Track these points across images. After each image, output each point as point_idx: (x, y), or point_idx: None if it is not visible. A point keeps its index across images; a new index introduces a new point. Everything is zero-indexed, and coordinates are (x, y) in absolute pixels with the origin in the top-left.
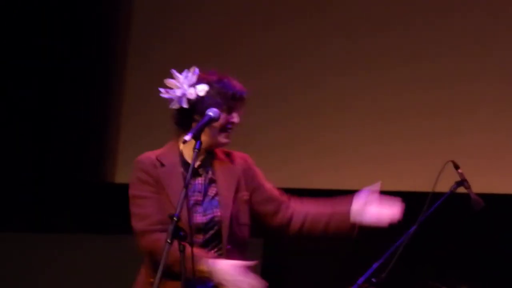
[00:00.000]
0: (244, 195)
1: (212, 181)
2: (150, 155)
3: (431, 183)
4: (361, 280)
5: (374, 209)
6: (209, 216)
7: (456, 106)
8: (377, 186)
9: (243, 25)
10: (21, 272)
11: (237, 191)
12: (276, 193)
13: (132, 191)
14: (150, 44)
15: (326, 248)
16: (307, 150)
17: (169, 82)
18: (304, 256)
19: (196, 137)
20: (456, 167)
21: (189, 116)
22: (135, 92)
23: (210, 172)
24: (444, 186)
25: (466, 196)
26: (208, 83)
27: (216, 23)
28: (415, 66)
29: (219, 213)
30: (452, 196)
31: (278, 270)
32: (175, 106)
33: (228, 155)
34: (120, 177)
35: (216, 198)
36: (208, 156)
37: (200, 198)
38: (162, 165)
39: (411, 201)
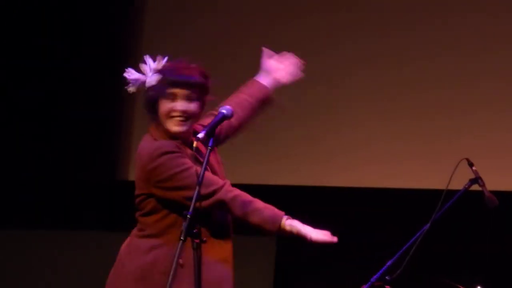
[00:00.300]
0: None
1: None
2: (168, 142)
3: (445, 181)
4: (374, 278)
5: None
6: None
7: (471, 104)
8: (267, 51)
9: (257, 21)
10: (44, 269)
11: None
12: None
13: (171, 171)
14: (163, 42)
15: (339, 246)
16: (323, 149)
17: (141, 66)
18: (317, 254)
19: (210, 135)
20: (471, 164)
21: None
22: None
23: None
24: (458, 184)
25: (480, 194)
26: (160, 71)
27: (229, 20)
28: (429, 65)
29: None
30: (466, 193)
31: (292, 269)
32: (130, 89)
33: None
34: (133, 175)
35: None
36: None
37: None
38: (179, 147)
39: (425, 199)
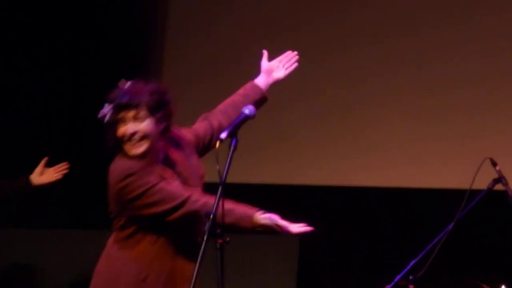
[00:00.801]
0: (202, 170)
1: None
2: (133, 162)
3: (469, 180)
4: (398, 277)
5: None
6: None
7: (495, 104)
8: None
9: (279, 20)
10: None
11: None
12: (199, 126)
13: (137, 191)
14: (187, 41)
15: (363, 246)
16: (346, 148)
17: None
18: (340, 254)
19: (232, 135)
20: (494, 164)
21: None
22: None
23: (176, 167)
24: (482, 183)
25: (503, 193)
26: (109, 99)
27: (251, 19)
28: (451, 64)
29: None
30: (489, 193)
31: (315, 269)
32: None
33: (173, 140)
34: None
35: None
36: (167, 157)
37: None
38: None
39: (449, 198)
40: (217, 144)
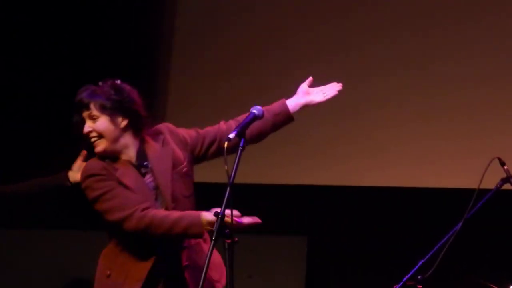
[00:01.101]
0: (183, 167)
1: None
2: (96, 163)
3: (477, 180)
4: (407, 277)
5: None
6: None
7: (504, 104)
8: (309, 80)
9: (287, 23)
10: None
11: (174, 167)
12: (207, 130)
13: (93, 193)
14: (195, 45)
15: (371, 246)
16: (354, 148)
17: None
18: (349, 254)
19: (240, 135)
20: (502, 164)
21: None
22: (179, 93)
23: (149, 168)
24: (490, 183)
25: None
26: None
27: (259, 24)
28: (460, 64)
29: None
30: (498, 193)
31: (323, 267)
32: None
33: (157, 136)
34: None
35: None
36: (140, 153)
37: (156, 194)
38: (116, 169)
39: (457, 198)
40: (225, 143)
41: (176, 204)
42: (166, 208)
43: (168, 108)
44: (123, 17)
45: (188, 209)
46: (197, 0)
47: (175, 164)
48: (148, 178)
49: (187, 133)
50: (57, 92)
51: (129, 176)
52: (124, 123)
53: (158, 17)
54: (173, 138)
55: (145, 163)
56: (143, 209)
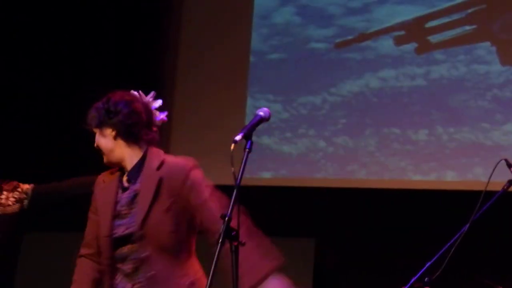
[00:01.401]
0: (165, 203)
1: (137, 194)
2: (102, 175)
3: (484, 182)
4: (414, 279)
5: None
6: (131, 230)
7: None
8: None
9: (290, 29)
10: None
11: (156, 199)
12: (211, 217)
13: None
14: (200, 50)
15: (378, 248)
16: (361, 148)
17: None
18: (356, 256)
19: (247, 137)
20: (509, 165)
21: None
22: (185, 96)
23: (138, 185)
24: (497, 184)
25: None
26: None
27: (263, 28)
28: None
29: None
30: (504, 194)
31: (331, 269)
32: None
33: (162, 164)
34: None
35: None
36: (136, 169)
37: (126, 211)
38: (104, 182)
39: (464, 200)
40: (232, 146)
41: (145, 231)
42: (134, 232)
43: (174, 112)
44: (123, 17)
45: (167, 243)
46: (203, 3)
47: (157, 196)
48: (130, 192)
49: (196, 198)
50: (57, 92)
51: (104, 195)
52: (113, 134)
53: (158, 17)
54: (173, 175)
55: (133, 180)
56: (79, 255)
